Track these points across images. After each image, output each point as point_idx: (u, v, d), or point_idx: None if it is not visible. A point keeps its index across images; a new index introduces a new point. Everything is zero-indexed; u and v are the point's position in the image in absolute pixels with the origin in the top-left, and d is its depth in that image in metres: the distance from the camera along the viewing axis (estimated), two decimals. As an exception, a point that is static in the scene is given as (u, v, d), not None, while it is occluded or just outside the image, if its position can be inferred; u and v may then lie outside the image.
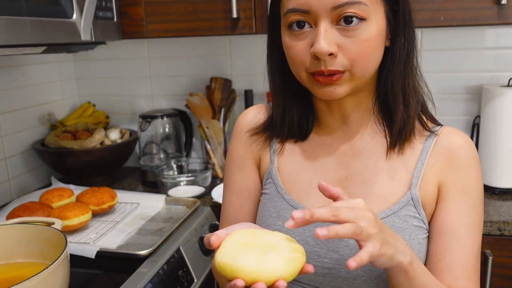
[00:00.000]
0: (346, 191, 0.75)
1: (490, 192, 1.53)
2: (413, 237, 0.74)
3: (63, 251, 0.80)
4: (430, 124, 0.80)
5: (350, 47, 0.66)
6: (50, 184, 1.61)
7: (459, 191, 0.74)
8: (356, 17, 0.65)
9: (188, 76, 1.89)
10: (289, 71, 0.76)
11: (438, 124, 0.81)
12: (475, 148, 0.78)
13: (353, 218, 0.57)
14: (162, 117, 1.73)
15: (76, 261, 1.00)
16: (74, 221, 1.20)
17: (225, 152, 1.79)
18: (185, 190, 1.54)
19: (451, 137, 0.77)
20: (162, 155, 1.77)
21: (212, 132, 1.74)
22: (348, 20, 0.65)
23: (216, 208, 1.43)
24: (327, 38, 0.65)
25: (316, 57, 0.67)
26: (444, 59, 1.65)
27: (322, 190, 0.63)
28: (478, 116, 1.61)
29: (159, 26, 1.51)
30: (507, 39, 1.60)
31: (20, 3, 1.02)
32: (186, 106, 1.80)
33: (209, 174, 1.61)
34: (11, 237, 0.91)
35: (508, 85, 1.53)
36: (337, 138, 0.81)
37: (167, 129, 1.75)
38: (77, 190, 1.46)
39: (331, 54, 0.66)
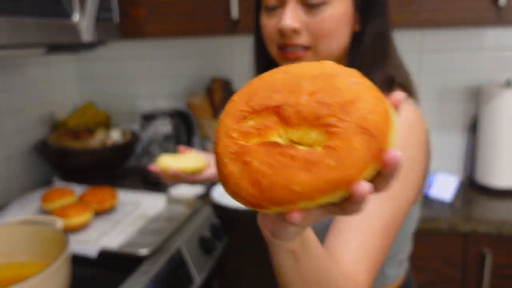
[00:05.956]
0: None
1: (488, 191, 1.54)
2: None
3: (64, 250, 0.80)
4: None
5: (313, 25, 0.73)
6: (51, 184, 1.62)
7: None
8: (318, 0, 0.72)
9: (189, 76, 1.89)
10: (273, 59, 0.82)
11: None
12: (412, 120, 0.71)
13: None
14: (162, 117, 1.74)
15: (77, 260, 1.00)
16: (76, 220, 1.20)
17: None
18: (186, 190, 1.55)
19: None
20: (162, 155, 1.77)
21: (212, 132, 1.74)
22: (311, 2, 0.72)
23: (216, 207, 1.44)
24: (291, 15, 0.73)
25: (282, 34, 0.74)
26: (443, 59, 1.66)
27: None
28: (476, 116, 1.62)
29: (159, 26, 1.52)
30: (506, 40, 1.60)
31: (21, 3, 1.03)
32: (187, 106, 1.81)
33: (209, 174, 1.61)
34: (13, 236, 0.92)
35: (506, 86, 1.54)
36: None
37: (167, 129, 1.76)
38: (79, 189, 1.46)
39: (295, 31, 0.73)
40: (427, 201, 1.48)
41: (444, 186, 1.51)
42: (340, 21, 0.73)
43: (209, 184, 1.60)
